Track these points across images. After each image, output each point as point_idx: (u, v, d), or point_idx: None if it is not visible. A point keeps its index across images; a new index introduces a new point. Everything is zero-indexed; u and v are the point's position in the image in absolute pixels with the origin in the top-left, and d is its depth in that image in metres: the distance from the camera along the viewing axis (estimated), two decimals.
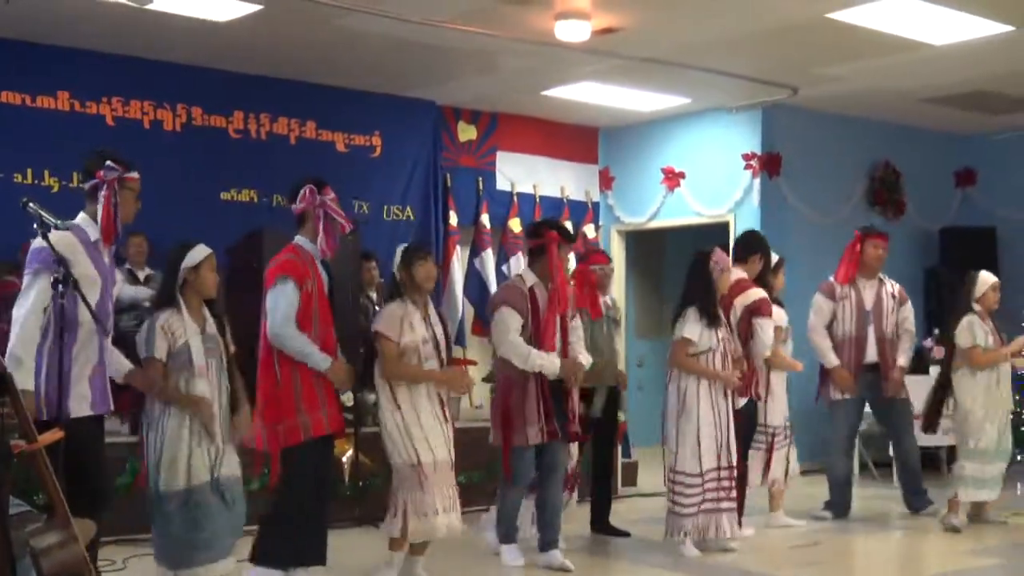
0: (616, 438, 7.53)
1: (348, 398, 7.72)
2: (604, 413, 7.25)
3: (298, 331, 5.50)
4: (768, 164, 10.60)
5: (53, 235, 4.64)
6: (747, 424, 7.20)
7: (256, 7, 7.63)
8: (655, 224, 11.49)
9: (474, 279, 10.70)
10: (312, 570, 5.82)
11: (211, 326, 5.32)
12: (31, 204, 4.65)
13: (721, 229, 10.83)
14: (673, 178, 11.22)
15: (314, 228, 5.62)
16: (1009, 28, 8.01)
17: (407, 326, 5.80)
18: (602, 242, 11.62)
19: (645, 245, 12.13)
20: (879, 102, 10.51)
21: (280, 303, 5.49)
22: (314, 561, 5.75)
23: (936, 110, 10.76)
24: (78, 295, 4.62)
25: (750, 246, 7.53)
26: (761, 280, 7.38)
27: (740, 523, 6.98)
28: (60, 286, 4.54)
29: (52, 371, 4.64)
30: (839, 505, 8.04)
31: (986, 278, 7.74)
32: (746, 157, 10.64)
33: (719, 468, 6.67)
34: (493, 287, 10.46)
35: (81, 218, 4.92)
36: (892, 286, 8.18)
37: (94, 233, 4.89)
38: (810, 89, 9.95)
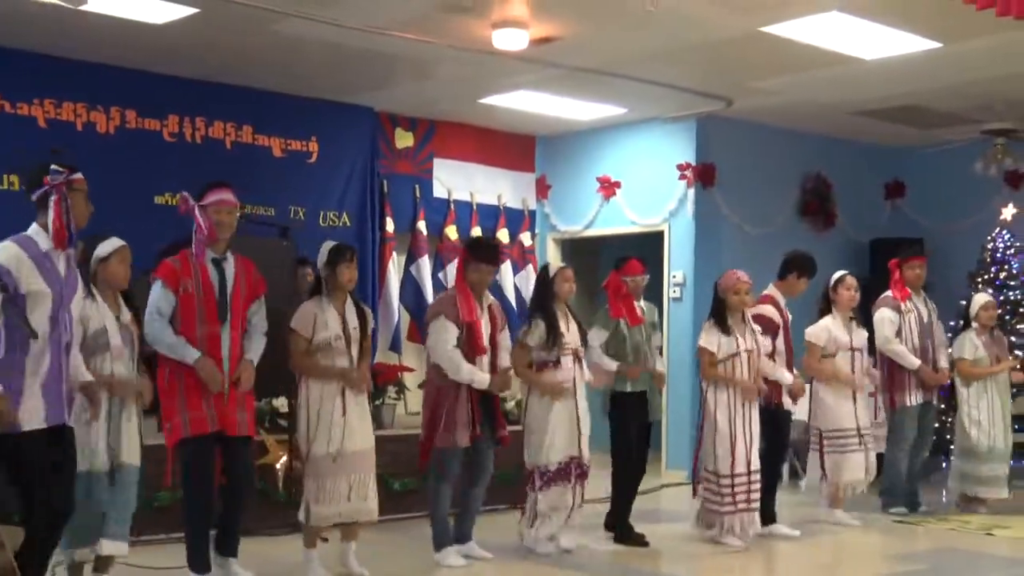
0: (648, 441, 7.58)
1: (282, 404, 7.68)
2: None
3: (163, 327, 5.69)
4: (702, 174, 10.69)
5: None
6: (772, 430, 7.66)
7: (192, 10, 7.56)
8: (591, 232, 11.55)
9: (410, 286, 10.67)
10: (233, 566, 5.93)
11: (125, 315, 5.50)
12: None
13: (656, 238, 10.93)
14: (609, 187, 11.29)
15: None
16: (937, 45, 8.15)
17: (321, 324, 6.13)
18: (538, 250, 11.66)
19: (581, 253, 12.16)
20: (811, 115, 10.65)
21: (150, 302, 5.74)
22: (198, 568, 5.86)
23: (867, 123, 10.92)
24: (23, 309, 4.55)
25: (786, 265, 8.01)
26: (825, 299, 8.19)
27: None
28: None
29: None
30: (908, 498, 8.58)
31: (978, 298, 8.83)
32: (681, 167, 10.73)
33: (742, 473, 7.16)
34: (429, 294, 10.45)
35: (33, 229, 4.75)
36: (931, 304, 8.77)
37: (45, 243, 4.72)
38: (744, 101, 10.06)
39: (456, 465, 6.64)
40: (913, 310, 8.53)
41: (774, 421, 7.70)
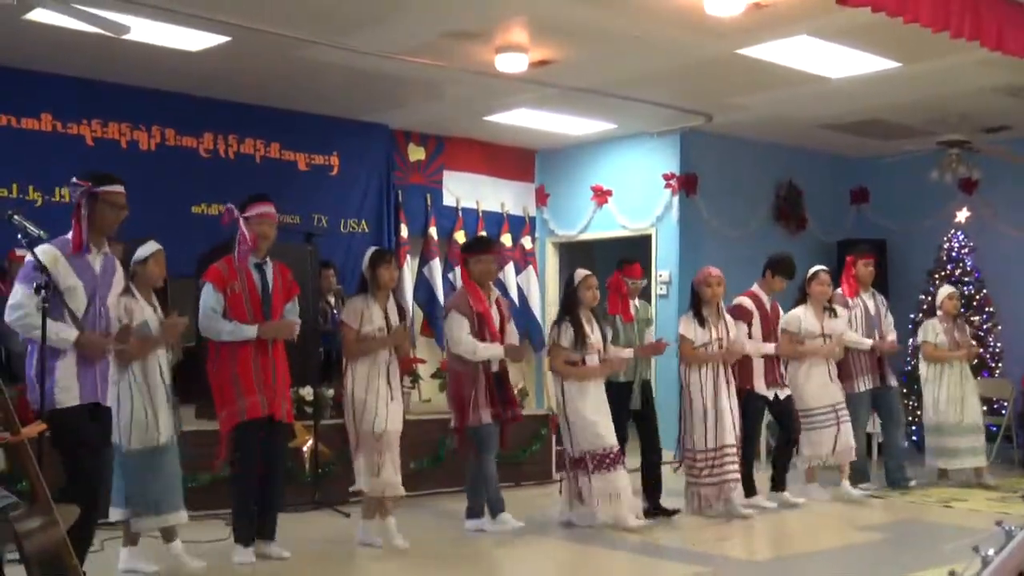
0: (657, 425, 7.46)
1: (308, 393, 7.67)
2: (643, 404, 7.34)
3: (217, 320, 5.72)
4: (686, 183, 10.68)
5: (39, 248, 4.65)
6: (747, 412, 7.65)
7: (224, 39, 7.55)
8: (585, 236, 11.53)
9: (423, 286, 10.66)
10: (272, 548, 5.85)
11: (159, 312, 5.52)
12: (16, 216, 4.60)
13: (644, 241, 10.91)
14: (601, 195, 11.27)
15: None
16: (897, 64, 8.14)
17: (366, 317, 6.16)
18: (537, 252, 11.65)
19: (576, 255, 12.15)
20: (783, 128, 10.63)
21: (202, 303, 5.78)
22: (259, 536, 5.85)
23: (833, 135, 10.90)
24: (59, 300, 4.61)
25: (766, 266, 8.01)
26: (802, 291, 8.17)
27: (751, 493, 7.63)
28: (43, 292, 4.50)
29: (38, 367, 4.64)
30: (896, 473, 8.61)
31: (943, 290, 8.98)
32: (666, 177, 10.71)
33: (714, 448, 7.20)
34: (440, 293, 10.46)
35: (69, 234, 4.83)
36: (879, 297, 8.75)
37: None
38: (723, 116, 10.04)
39: (491, 439, 6.63)
40: (860, 304, 8.53)
41: (747, 404, 7.68)
